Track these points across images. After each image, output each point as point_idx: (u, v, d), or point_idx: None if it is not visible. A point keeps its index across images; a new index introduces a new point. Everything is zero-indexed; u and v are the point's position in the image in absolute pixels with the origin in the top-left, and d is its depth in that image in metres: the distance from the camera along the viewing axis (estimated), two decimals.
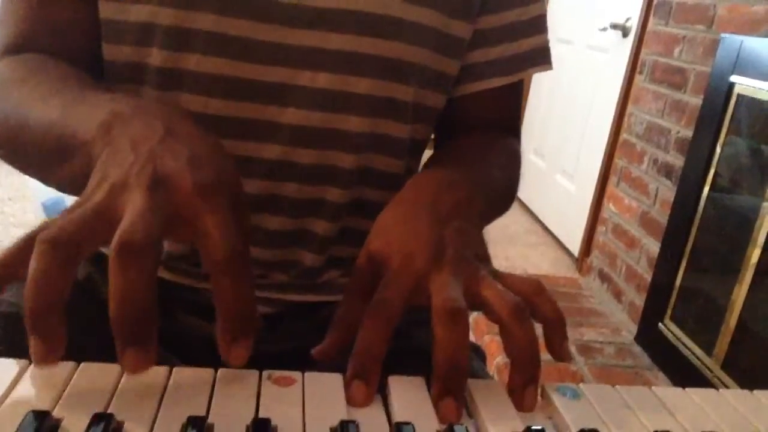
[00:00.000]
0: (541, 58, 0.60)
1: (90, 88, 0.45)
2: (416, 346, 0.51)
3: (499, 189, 0.55)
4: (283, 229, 0.53)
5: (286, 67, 0.49)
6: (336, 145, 0.52)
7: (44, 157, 0.43)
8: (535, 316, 0.38)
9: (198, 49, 0.48)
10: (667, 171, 1.95)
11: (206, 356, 0.37)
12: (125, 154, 0.34)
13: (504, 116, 0.62)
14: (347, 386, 0.34)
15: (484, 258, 0.41)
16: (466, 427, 0.32)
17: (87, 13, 0.49)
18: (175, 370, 0.34)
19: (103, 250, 0.33)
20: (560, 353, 0.38)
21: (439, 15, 0.52)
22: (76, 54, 0.50)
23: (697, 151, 1.75)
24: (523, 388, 0.36)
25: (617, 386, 0.38)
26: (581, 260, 2.49)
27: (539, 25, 0.59)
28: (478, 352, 0.59)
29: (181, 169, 0.33)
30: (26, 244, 0.31)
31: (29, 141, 0.43)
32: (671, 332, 1.78)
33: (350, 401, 0.34)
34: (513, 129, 0.63)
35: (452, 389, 0.34)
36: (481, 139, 0.58)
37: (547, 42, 0.61)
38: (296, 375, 0.35)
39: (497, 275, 0.39)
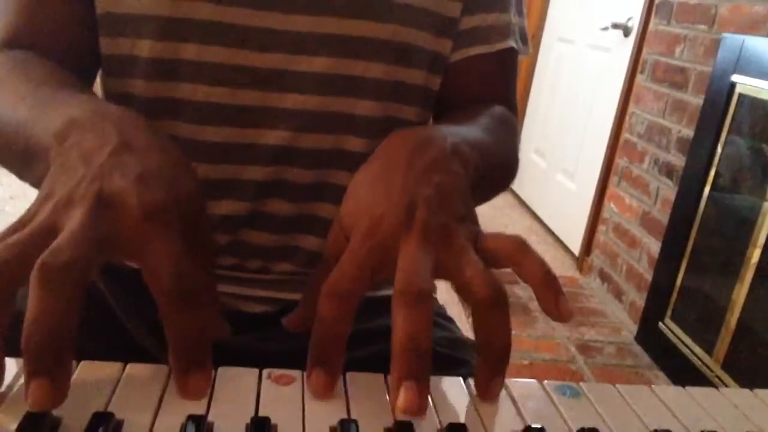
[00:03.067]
0: (522, 38, 0.60)
1: (64, 88, 0.44)
2: None
3: (495, 153, 0.50)
4: (288, 214, 0.53)
5: (283, 53, 0.49)
6: (342, 128, 0.52)
7: (14, 158, 0.43)
8: (523, 277, 0.35)
9: (195, 38, 0.48)
10: (668, 170, 1.95)
11: None
12: (74, 170, 0.33)
13: (495, 91, 0.60)
14: (308, 376, 0.32)
15: (467, 217, 0.37)
16: (466, 427, 0.32)
17: (82, 8, 0.50)
18: None
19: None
20: (559, 312, 0.34)
21: None
22: (69, 49, 0.51)
23: (698, 150, 1.75)
24: (490, 380, 0.34)
25: (617, 385, 0.38)
26: (582, 260, 2.49)
27: (516, 4, 0.59)
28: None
29: (129, 188, 0.32)
30: None
31: (2, 141, 0.43)
32: (672, 332, 1.78)
33: (312, 392, 0.32)
34: (507, 104, 0.61)
35: (411, 375, 0.30)
36: (472, 108, 0.57)
37: (524, 25, 0.60)
38: (296, 374, 0.35)
39: (478, 238, 0.36)
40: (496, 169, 0.52)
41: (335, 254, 0.37)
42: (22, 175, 0.44)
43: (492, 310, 0.33)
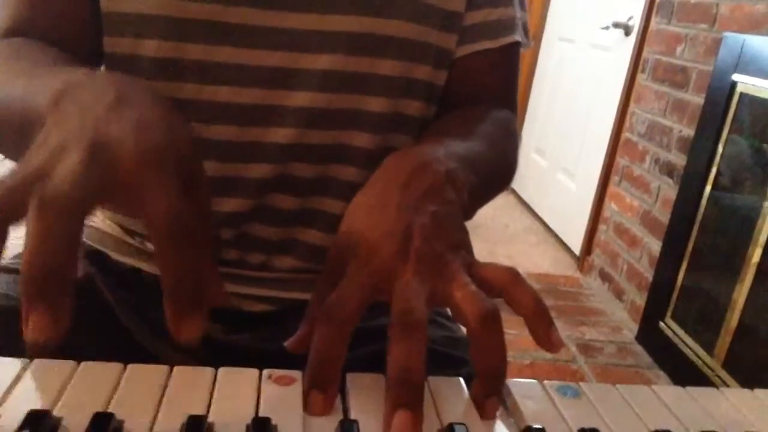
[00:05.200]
0: (524, 32, 0.60)
1: (61, 64, 0.44)
2: None
3: (492, 163, 0.52)
4: (292, 208, 0.53)
5: (288, 51, 0.49)
6: (348, 124, 0.52)
7: (12, 135, 0.42)
8: (514, 308, 0.36)
9: (200, 38, 0.48)
10: (668, 170, 1.95)
11: (206, 356, 0.37)
12: (70, 120, 0.32)
13: (498, 86, 0.61)
14: (305, 396, 0.33)
15: (461, 246, 0.38)
16: (466, 427, 0.32)
17: (86, 5, 0.50)
18: (175, 369, 0.34)
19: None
20: (549, 343, 0.35)
21: None
22: (72, 45, 0.51)
23: (699, 150, 1.75)
24: (485, 398, 0.34)
25: (617, 385, 0.38)
26: (582, 259, 2.49)
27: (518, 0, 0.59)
28: None
29: (126, 133, 0.31)
30: None
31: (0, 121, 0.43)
32: (672, 331, 1.78)
33: (309, 411, 0.32)
34: (507, 102, 0.62)
35: (404, 404, 0.31)
36: (471, 111, 0.57)
37: (526, 19, 0.60)
38: (296, 374, 0.35)
39: (472, 267, 0.37)
40: (492, 179, 0.53)
41: (333, 273, 0.38)
42: (20, 151, 0.44)
43: (484, 329, 0.33)
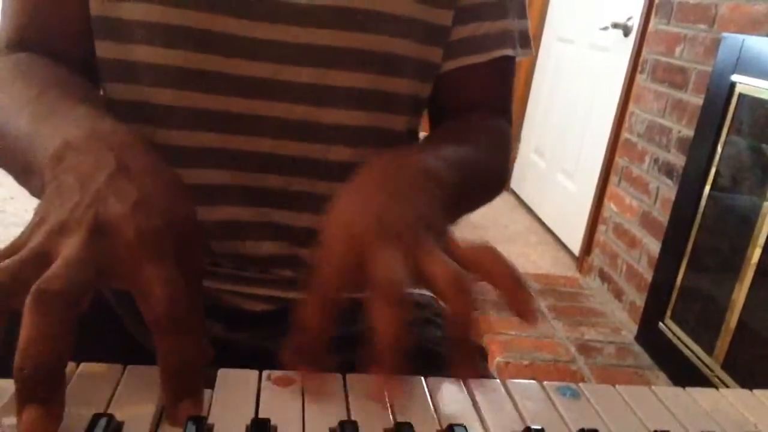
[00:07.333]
0: (522, 41, 0.59)
1: (66, 97, 0.44)
2: (417, 345, 0.51)
3: (479, 169, 0.52)
4: (291, 224, 0.53)
5: (270, 62, 0.49)
6: (329, 138, 0.52)
7: (15, 166, 0.43)
8: (493, 281, 0.36)
9: (184, 46, 0.48)
10: (668, 170, 1.95)
11: None
12: (70, 193, 0.33)
13: (490, 98, 0.61)
14: (301, 377, 0.34)
15: (440, 233, 0.38)
16: (466, 428, 0.32)
17: (79, 11, 0.50)
18: None
19: None
20: (526, 313, 0.35)
21: (421, 6, 0.52)
22: (71, 51, 0.51)
23: (698, 150, 1.75)
24: (461, 362, 0.35)
25: (617, 386, 0.38)
26: (582, 259, 2.49)
27: (517, 9, 0.59)
28: (481, 352, 0.59)
29: (126, 214, 0.32)
30: None
31: (3, 147, 0.44)
32: (672, 332, 1.78)
33: (308, 391, 0.33)
34: (502, 111, 0.62)
35: (391, 369, 0.32)
36: (463, 119, 0.57)
37: (526, 27, 0.60)
38: (296, 375, 0.35)
39: (451, 247, 0.37)
40: (481, 185, 0.54)
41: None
42: (20, 183, 0.44)
43: (451, 293, 0.34)
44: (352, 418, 0.32)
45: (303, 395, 0.33)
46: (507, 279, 0.35)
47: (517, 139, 3.44)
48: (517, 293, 0.35)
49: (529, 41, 0.61)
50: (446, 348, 0.36)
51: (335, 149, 0.53)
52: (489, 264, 0.36)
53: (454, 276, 0.34)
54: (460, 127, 0.56)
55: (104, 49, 0.51)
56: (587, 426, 0.34)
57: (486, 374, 0.53)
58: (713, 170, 1.68)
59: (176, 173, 0.37)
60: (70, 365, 0.33)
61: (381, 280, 0.33)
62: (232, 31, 0.48)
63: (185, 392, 0.31)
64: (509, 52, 0.58)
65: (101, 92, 0.54)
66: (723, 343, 1.57)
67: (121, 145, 0.36)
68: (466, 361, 0.35)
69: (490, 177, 0.57)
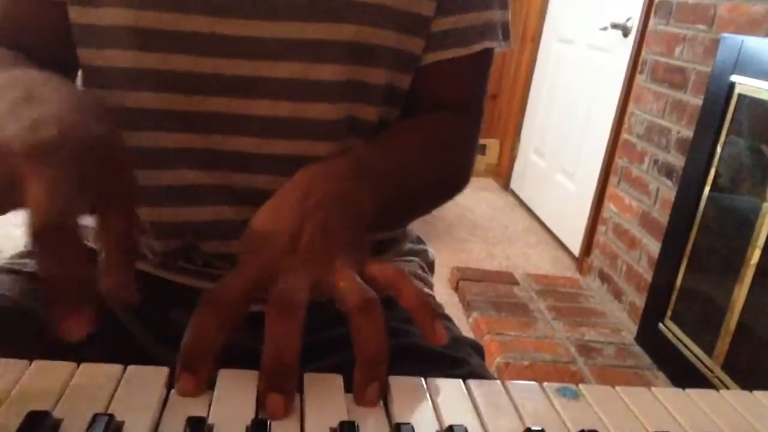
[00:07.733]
0: (504, 33, 0.59)
1: (13, 66, 0.44)
2: (413, 344, 0.51)
3: (423, 175, 0.53)
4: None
5: (247, 60, 0.49)
6: (309, 134, 0.52)
7: None
8: (402, 302, 0.37)
9: (159, 48, 0.48)
10: (667, 171, 1.95)
11: None
12: None
13: (462, 95, 0.60)
14: (176, 379, 0.33)
15: (353, 247, 0.39)
16: (466, 428, 0.32)
17: (56, 15, 0.50)
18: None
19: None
20: (434, 336, 0.37)
21: None
22: (46, 54, 0.51)
23: (698, 151, 1.75)
24: (366, 385, 0.34)
25: (616, 387, 0.38)
26: (581, 260, 2.49)
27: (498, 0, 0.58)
28: (478, 350, 0.58)
29: (19, 132, 0.31)
30: None
31: None
32: (671, 332, 1.78)
33: (177, 391, 0.33)
34: (472, 110, 0.61)
35: (277, 386, 0.32)
36: (421, 120, 0.57)
37: (507, 18, 0.59)
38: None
39: (362, 265, 0.38)
40: (425, 189, 0.54)
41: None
42: None
43: (363, 314, 0.35)
44: (352, 418, 0.32)
45: (303, 396, 0.33)
46: (414, 302, 0.37)
47: (517, 139, 3.44)
48: (424, 316, 0.37)
49: (509, 32, 0.60)
50: (356, 370, 0.35)
51: (313, 145, 0.52)
52: (397, 285, 0.38)
53: (364, 298, 0.35)
54: (407, 129, 0.56)
55: (83, 56, 0.51)
56: (587, 427, 0.34)
57: (485, 374, 0.53)
58: (713, 171, 1.68)
59: (97, 98, 0.37)
60: (71, 365, 0.33)
61: (277, 296, 0.34)
62: (205, 30, 0.48)
63: (68, 307, 0.29)
64: (492, 44, 0.57)
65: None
66: (723, 344, 1.57)
67: (34, 79, 0.37)
68: (371, 382, 0.34)
69: (439, 179, 0.56)
